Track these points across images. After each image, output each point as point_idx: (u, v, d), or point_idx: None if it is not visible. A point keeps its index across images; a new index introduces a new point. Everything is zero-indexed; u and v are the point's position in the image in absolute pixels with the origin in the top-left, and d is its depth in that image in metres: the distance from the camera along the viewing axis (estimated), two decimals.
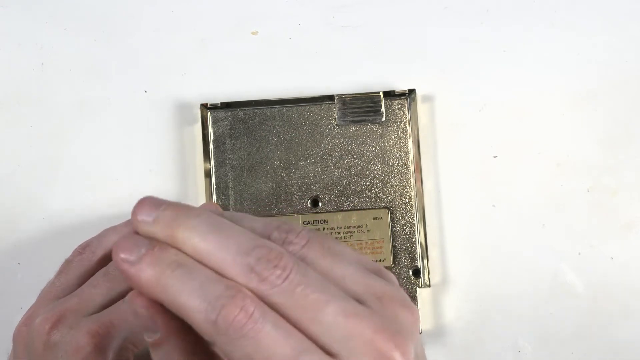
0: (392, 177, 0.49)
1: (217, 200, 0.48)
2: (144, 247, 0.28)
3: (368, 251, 0.48)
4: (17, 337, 0.38)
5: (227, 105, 0.49)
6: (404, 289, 0.47)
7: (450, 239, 0.49)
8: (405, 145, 0.49)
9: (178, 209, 0.28)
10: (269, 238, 0.28)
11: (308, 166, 0.48)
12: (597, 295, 0.49)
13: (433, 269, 0.49)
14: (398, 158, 0.49)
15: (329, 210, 0.48)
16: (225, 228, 0.28)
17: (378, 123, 0.49)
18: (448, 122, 0.50)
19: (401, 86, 0.49)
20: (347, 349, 0.27)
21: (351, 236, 0.48)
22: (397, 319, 0.28)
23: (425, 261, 0.48)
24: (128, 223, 0.42)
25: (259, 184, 0.48)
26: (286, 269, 0.27)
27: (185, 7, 0.50)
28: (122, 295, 0.37)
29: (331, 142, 0.49)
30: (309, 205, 0.48)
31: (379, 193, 0.48)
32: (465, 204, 0.49)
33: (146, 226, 0.28)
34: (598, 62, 0.50)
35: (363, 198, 0.48)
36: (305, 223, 0.48)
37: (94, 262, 0.40)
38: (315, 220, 0.48)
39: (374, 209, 0.48)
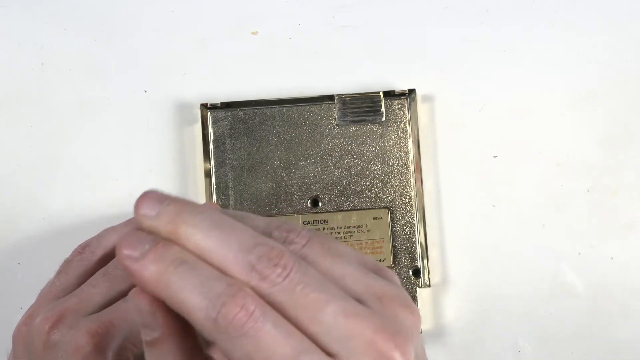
0: (392, 177, 0.49)
1: (217, 200, 0.48)
2: (147, 244, 0.28)
3: (368, 251, 0.48)
4: (17, 337, 0.38)
5: (227, 105, 0.49)
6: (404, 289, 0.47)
7: (450, 239, 0.49)
8: (405, 145, 0.49)
9: (181, 205, 0.28)
10: (270, 237, 0.28)
11: (308, 166, 0.48)
12: (597, 295, 0.49)
13: (433, 269, 0.49)
14: (398, 158, 0.49)
15: (329, 210, 0.48)
16: (227, 225, 0.28)
17: (378, 123, 0.49)
18: (448, 122, 0.50)
19: (401, 86, 0.49)
20: (347, 349, 0.27)
21: (351, 236, 0.48)
22: (397, 319, 0.28)
23: (425, 261, 0.48)
24: (127, 223, 0.42)
25: (259, 184, 0.48)
26: (287, 267, 0.27)
27: (185, 7, 0.50)
28: (121, 295, 0.37)
29: (331, 142, 0.49)
30: (309, 205, 0.48)
31: (379, 193, 0.48)
32: (465, 204, 0.49)
33: (148, 220, 0.28)
34: (598, 62, 0.50)
35: (363, 198, 0.48)
36: (305, 223, 0.48)
37: (94, 262, 0.40)
38: (315, 220, 0.48)
39: (374, 209, 0.48)
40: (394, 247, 0.48)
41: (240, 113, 0.49)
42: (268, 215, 0.48)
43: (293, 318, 0.27)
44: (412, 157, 0.49)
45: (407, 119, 0.49)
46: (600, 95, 0.50)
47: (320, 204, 0.48)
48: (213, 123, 0.48)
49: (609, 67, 0.50)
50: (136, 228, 0.28)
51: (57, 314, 0.36)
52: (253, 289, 0.27)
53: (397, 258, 0.48)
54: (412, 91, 0.49)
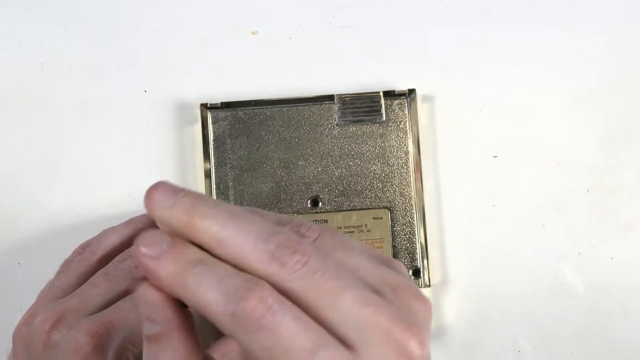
0: (392, 177, 0.48)
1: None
2: (165, 244, 0.28)
3: None
4: (17, 337, 0.38)
5: (227, 105, 0.49)
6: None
7: (450, 239, 0.49)
8: (405, 145, 0.49)
9: (196, 197, 0.28)
10: None
11: (308, 166, 0.48)
12: (597, 295, 0.49)
13: (433, 269, 0.49)
14: (398, 158, 0.49)
15: (329, 210, 0.48)
16: (242, 216, 0.28)
17: (378, 123, 0.49)
18: (448, 122, 0.50)
19: (401, 86, 0.49)
20: (364, 339, 0.27)
21: (351, 236, 0.48)
22: (411, 309, 0.28)
23: (425, 261, 0.48)
24: (128, 223, 0.42)
25: (259, 183, 0.48)
26: (305, 254, 0.27)
27: (185, 7, 0.50)
28: (121, 295, 0.37)
29: (331, 142, 0.49)
30: (309, 205, 0.48)
31: (379, 193, 0.48)
32: (465, 204, 0.49)
33: (162, 211, 0.28)
34: (598, 62, 0.50)
35: (363, 198, 0.48)
36: None
37: (94, 262, 0.40)
38: (315, 220, 0.48)
39: (374, 208, 0.48)
40: (394, 247, 0.48)
41: (240, 113, 0.49)
42: None
43: (311, 307, 0.27)
44: (412, 157, 0.49)
45: (407, 119, 0.49)
46: (600, 95, 0.50)
47: (320, 204, 0.48)
48: (213, 123, 0.48)
49: (609, 67, 0.50)
50: (144, 219, 0.28)
51: (57, 314, 0.36)
52: (272, 277, 0.27)
53: (397, 258, 0.48)
54: (412, 91, 0.49)
